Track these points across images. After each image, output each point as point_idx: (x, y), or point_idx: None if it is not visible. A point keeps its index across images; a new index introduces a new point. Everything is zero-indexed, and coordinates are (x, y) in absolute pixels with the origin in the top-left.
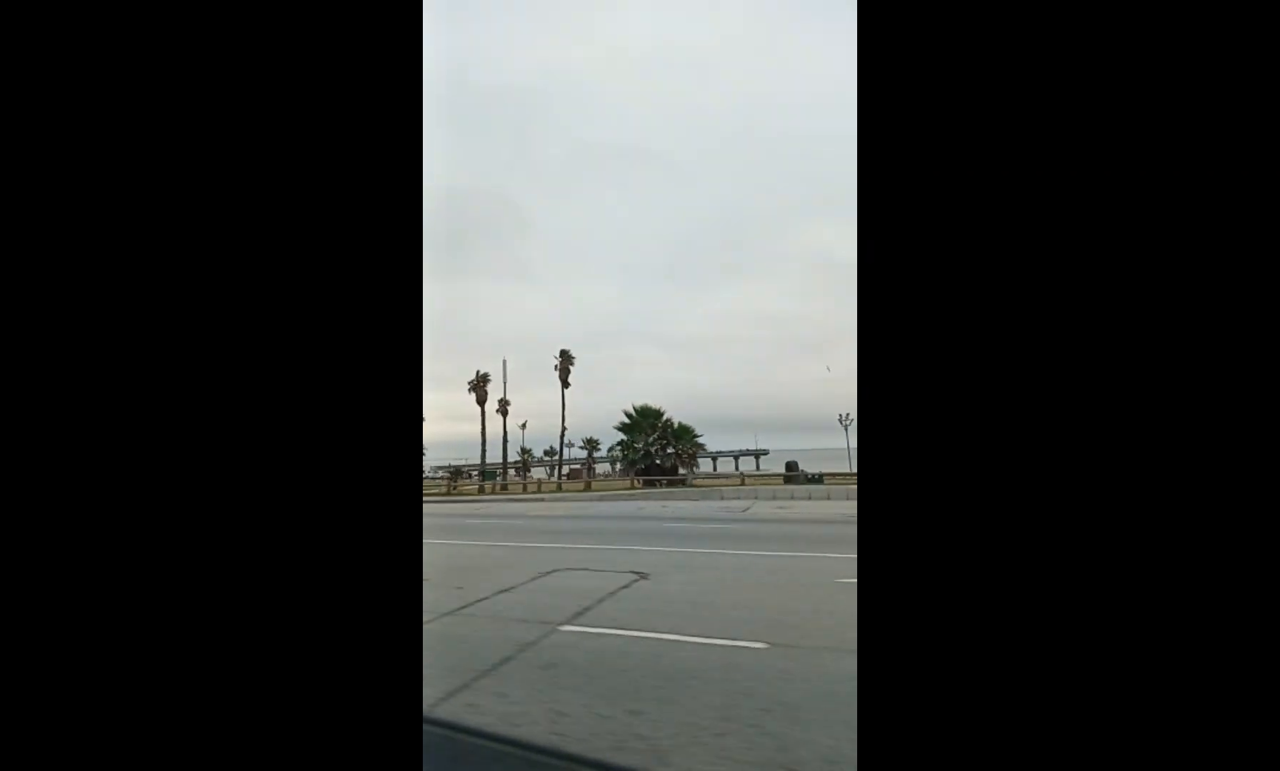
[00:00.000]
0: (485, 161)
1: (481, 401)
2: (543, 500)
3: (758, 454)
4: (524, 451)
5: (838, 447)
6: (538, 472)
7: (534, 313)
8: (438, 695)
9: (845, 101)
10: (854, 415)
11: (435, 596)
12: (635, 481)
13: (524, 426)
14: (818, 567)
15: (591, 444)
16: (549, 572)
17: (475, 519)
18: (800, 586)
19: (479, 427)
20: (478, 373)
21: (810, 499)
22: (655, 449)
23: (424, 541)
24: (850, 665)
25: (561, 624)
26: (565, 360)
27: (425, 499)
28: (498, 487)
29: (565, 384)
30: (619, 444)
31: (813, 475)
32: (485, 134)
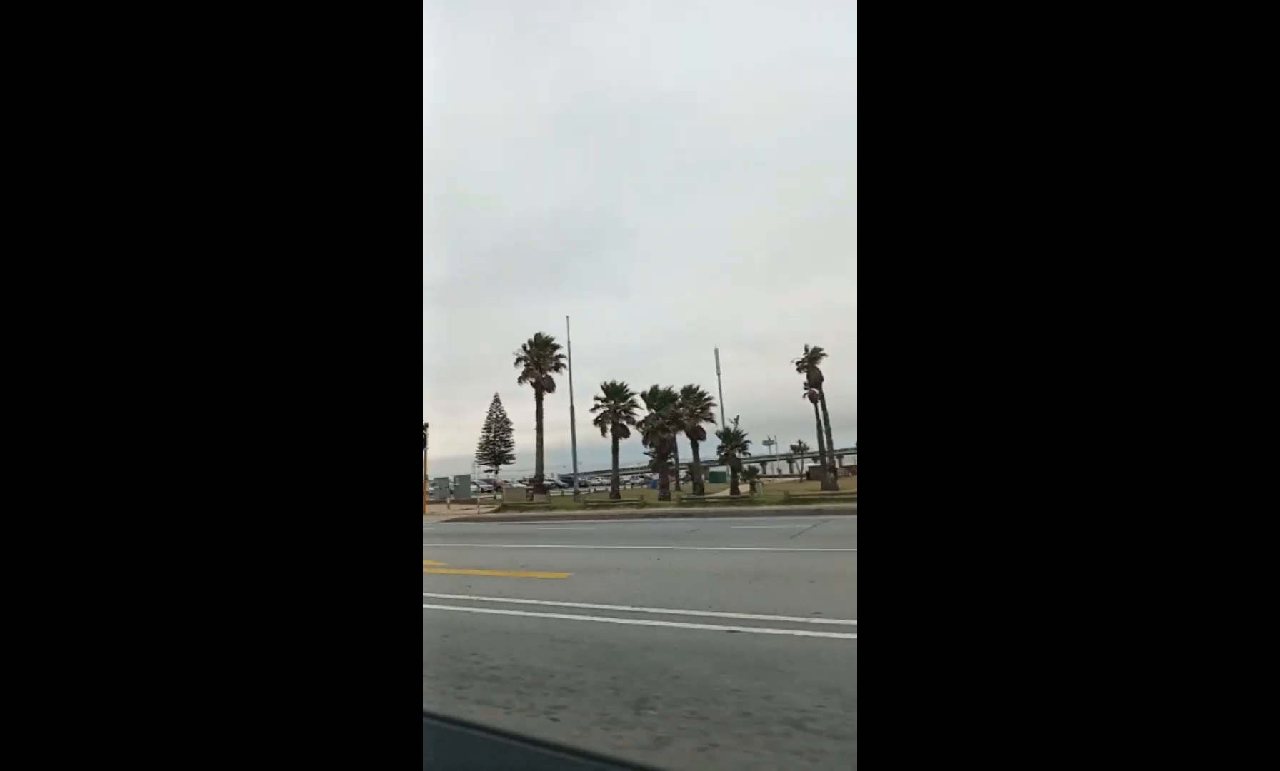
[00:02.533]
0: (593, 182)
1: (817, 382)
2: None
3: None
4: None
5: None
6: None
7: (621, 325)
8: None
9: None
10: None
11: None
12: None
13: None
14: None
15: None
16: None
17: None
18: None
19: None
20: (807, 348)
21: None
22: None
23: None
24: None
25: None
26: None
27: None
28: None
29: None
30: None
31: None
32: (595, 157)
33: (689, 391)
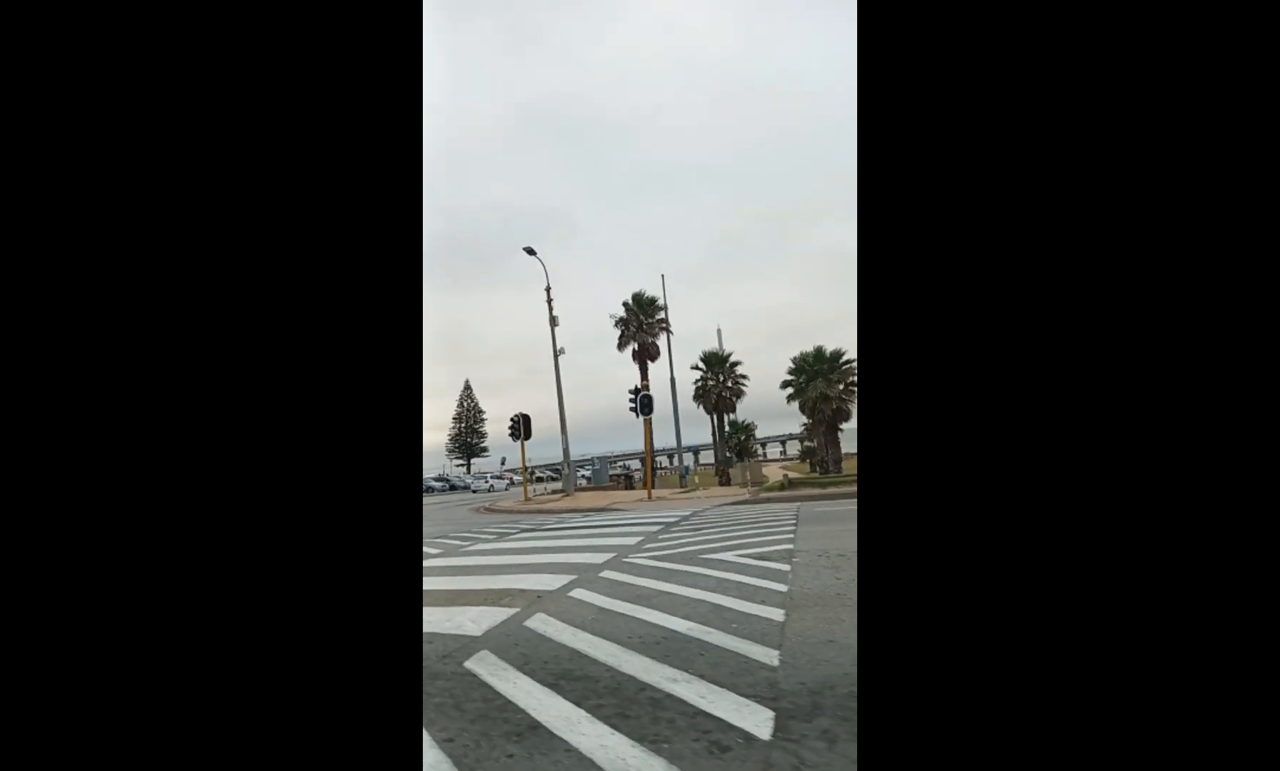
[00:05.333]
0: (550, 181)
1: None
2: None
3: None
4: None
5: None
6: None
7: (545, 318)
8: None
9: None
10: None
11: None
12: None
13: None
14: None
15: None
16: None
17: None
18: None
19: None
20: None
21: None
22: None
23: None
24: None
25: None
26: None
27: None
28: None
29: None
30: None
31: None
32: (558, 158)
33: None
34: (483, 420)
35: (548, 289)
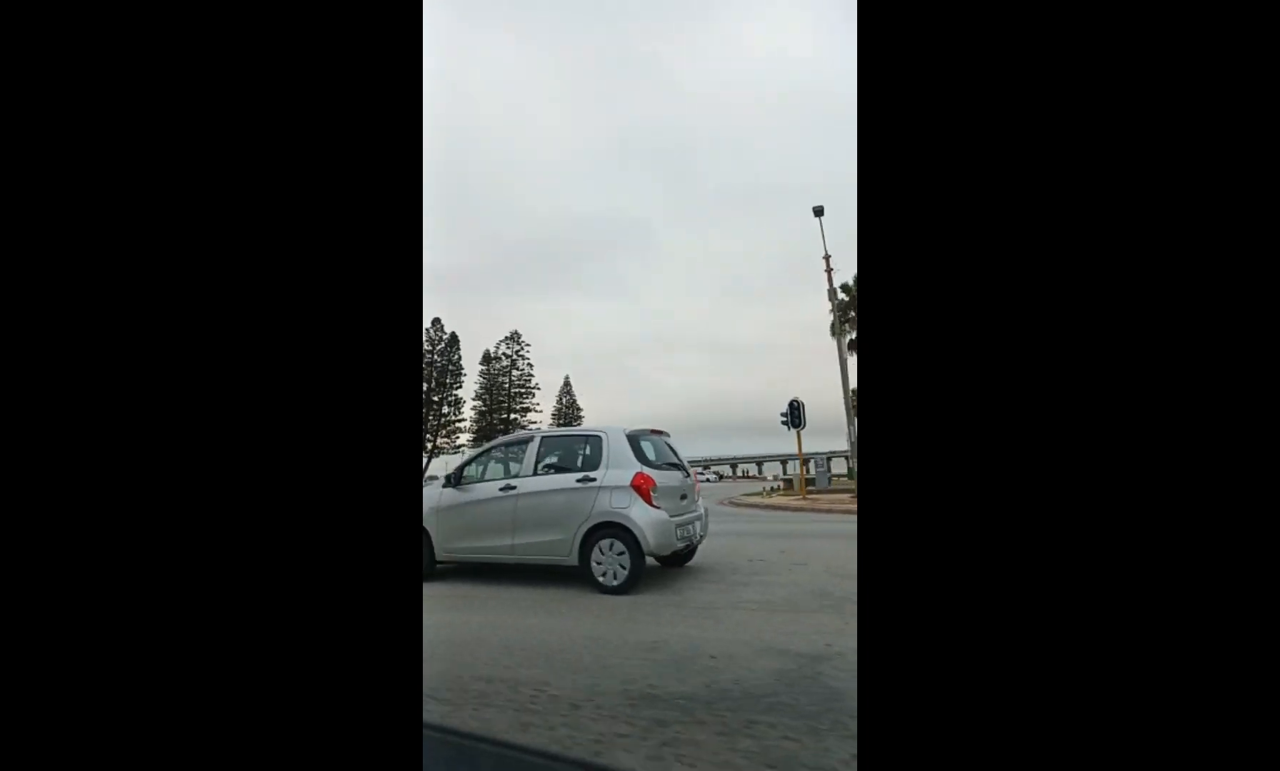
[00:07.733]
0: (632, 196)
1: None
2: None
3: None
4: None
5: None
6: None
7: (607, 324)
8: None
9: None
10: None
11: None
12: None
13: None
14: None
15: None
16: None
17: None
18: None
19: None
20: None
21: None
22: None
23: None
24: None
25: None
26: None
27: None
28: None
29: None
30: None
31: None
32: (644, 176)
33: None
34: (580, 417)
35: (826, 257)
